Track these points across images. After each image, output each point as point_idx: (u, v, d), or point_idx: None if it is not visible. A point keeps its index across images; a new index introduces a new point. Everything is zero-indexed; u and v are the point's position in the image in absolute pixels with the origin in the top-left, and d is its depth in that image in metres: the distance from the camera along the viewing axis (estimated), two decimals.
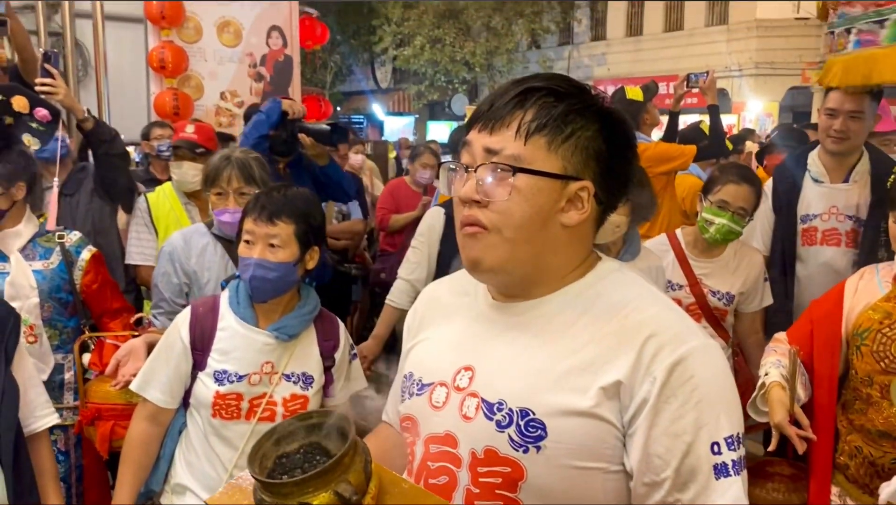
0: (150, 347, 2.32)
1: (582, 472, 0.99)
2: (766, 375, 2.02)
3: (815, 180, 2.98)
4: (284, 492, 0.87)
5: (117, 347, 2.33)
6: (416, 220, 5.28)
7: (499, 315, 1.12)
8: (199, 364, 1.94)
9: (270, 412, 1.95)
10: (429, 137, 20.92)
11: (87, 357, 2.42)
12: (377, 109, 22.46)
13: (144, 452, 1.99)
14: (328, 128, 3.26)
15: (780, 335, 2.19)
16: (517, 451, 1.00)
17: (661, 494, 0.97)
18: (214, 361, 1.94)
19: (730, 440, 0.98)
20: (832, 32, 2.56)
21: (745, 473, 1.00)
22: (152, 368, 2.00)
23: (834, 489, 2.07)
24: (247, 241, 1.92)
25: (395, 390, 1.36)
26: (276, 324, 1.95)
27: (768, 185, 3.08)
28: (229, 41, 6.40)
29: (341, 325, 2.13)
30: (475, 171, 1.05)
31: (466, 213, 1.06)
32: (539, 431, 0.99)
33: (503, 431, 1.02)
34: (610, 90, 19.67)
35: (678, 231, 2.83)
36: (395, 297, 3.14)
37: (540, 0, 20.59)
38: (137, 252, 3.28)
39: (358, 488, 0.89)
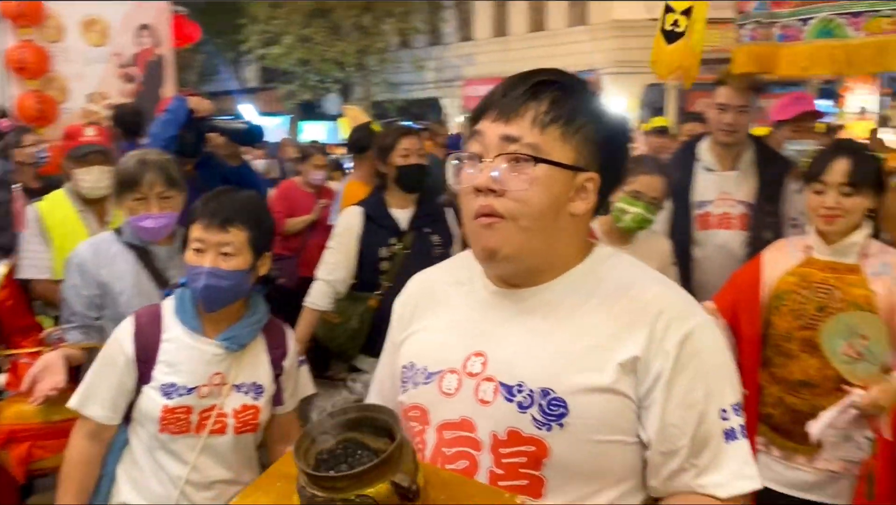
0: (69, 362, 2.19)
1: (602, 445, 1.06)
2: None
3: (707, 169, 3.21)
4: (340, 486, 0.88)
5: (32, 364, 2.18)
6: (312, 224, 5.22)
7: (504, 302, 1.16)
8: (143, 377, 1.86)
9: (221, 424, 1.89)
10: (303, 138, 20.60)
11: (2, 378, 2.25)
12: (247, 110, 21.83)
13: (86, 471, 1.89)
14: (244, 126, 3.18)
15: (708, 304, 2.38)
16: (540, 429, 1.05)
17: (678, 462, 1.06)
18: (161, 374, 1.86)
19: (735, 407, 1.09)
20: (741, 25, 2.77)
21: (748, 439, 1.10)
22: (92, 384, 1.89)
23: (759, 438, 2.28)
24: (196, 249, 1.84)
25: (378, 385, 1.37)
26: (225, 333, 1.89)
27: None
28: (95, 40, 6.05)
29: (289, 332, 2.09)
30: (492, 160, 1.08)
31: (482, 203, 1.08)
32: (561, 409, 1.05)
33: (525, 412, 1.06)
34: (480, 89, 20.24)
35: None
36: (314, 298, 3.11)
37: (408, 0, 20.75)
38: (30, 265, 3.06)
39: (411, 478, 0.90)
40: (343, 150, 14.38)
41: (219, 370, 1.88)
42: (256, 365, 1.95)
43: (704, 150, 3.25)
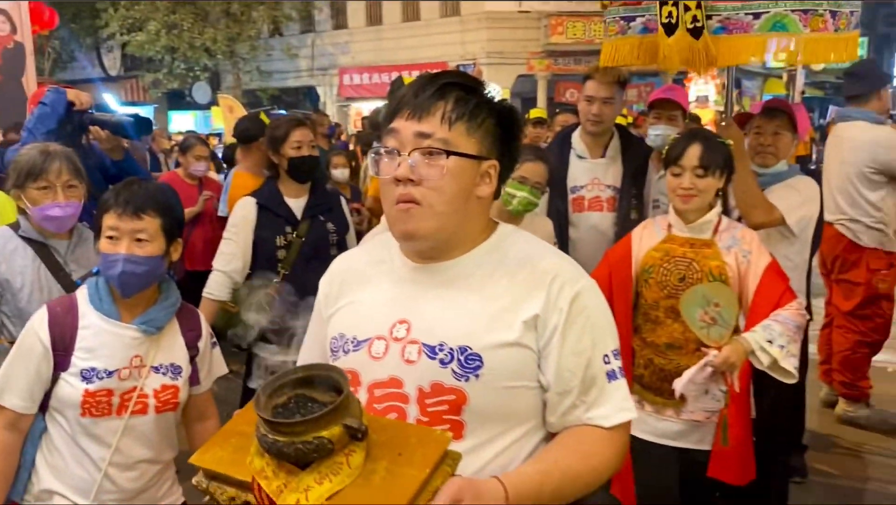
0: None
1: (511, 390, 1.26)
2: None
3: (579, 157, 3.50)
4: (298, 431, 1.01)
5: None
6: (197, 216, 5.16)
7: (422, 276, 1.33)
8: (60, 365, 1.89)
9: (142, 405, 1.96)
10: (172, 128, 19.78)
11: None
12: (109, 99, 20.72)
13: (6, 461, 1.90)
14: (130, 119, 3.14)
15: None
16: (459, 381, 1.24)
17: (571, 399, 1.27)
18: (80, 360, 1.90)
19: (615, 352, 1.32)
20: (615, 19, 3.05)
21: (625, 378, 1.33)
22: (8, 375, 1.91)
23: (633, 396, 2.55)
24: (110, 237, 1.89)
25: (307, 354, 1.51)
26: (142, 317, 1.96)
27: None
28: None
29: (201, 315, 2.17)
30: (408, 154, 1.24)
31: (401, 192, 1.24)
32: (476, 363, 1.24)
33: (446, 367, 1.24)
34: (356, 78, 20.15)
35: None
36: (212, 289, 3.15)
37: None
38: None
39: (359, 421, 1.05)
40: (216, 141, 14.00)
41: (137, 353, 1.95)
42: (173, 347, 2.03)
43: (576, 139, 3.53)
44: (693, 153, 2.44)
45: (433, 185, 1.24)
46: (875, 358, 4.52)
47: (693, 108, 14.34)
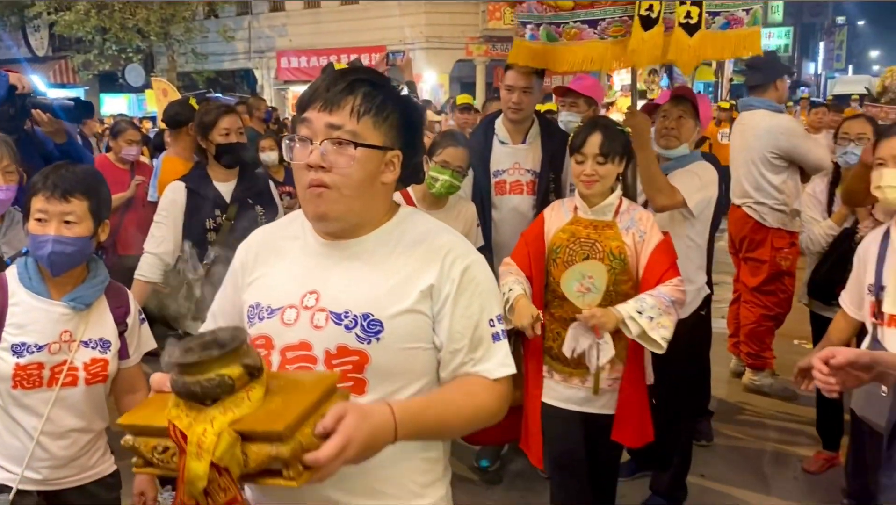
0: None
1: (408, 351, 1.42)
2: (511, 290, 2.63)
3: (502, 142, 3.68)
4: (203, 368, 1.16)
5: None
6: (128, 201, 5.16)
7: (331, 251, 1.48)
8: None
9: (73, 377, 2.07)
10: (104, 111, 19.28)
11: None
12: (37, 81, 20.04)
13: None
14: (71, 103, 3.17)
15: (508, 259, 2.82)
16: (362, 343, 1.39)
17: (461, 357, 1.45)
18: (10, 336, 2.00)
19: (499, 318, 1.49)
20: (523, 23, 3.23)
21: (507, 340, 1.50)
22: None
23: (544, 368, 2.76)
24: (39, 220, 1.99)
25: (216, 311, 1.66)
26: (71, 294, 2.06)
27: None
28: None
29: (129, 292, 2.28)
30: (320, 143, 1.38)
31: (313, 177, 1.38)
32: (378, 327, 1.39)
33: (350, 331, 1.40)
34: (293, 61, 19.97)
35: (409, 189, 3.35)
36: (144, 271, 3.22)
37: None
38: None
39: (256, 361, 1.21)
40: (150, 125, 13.75)
41: (67, 328, 2.06)
42: (102, 322, 2.14)
43: (499, 125, 3.71)
44: (594, 141, 2.62)
45: (342, 171, 1.38)
46: (778, 331, 4.87)
47: (619, 97, 15.08)
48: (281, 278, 1.50)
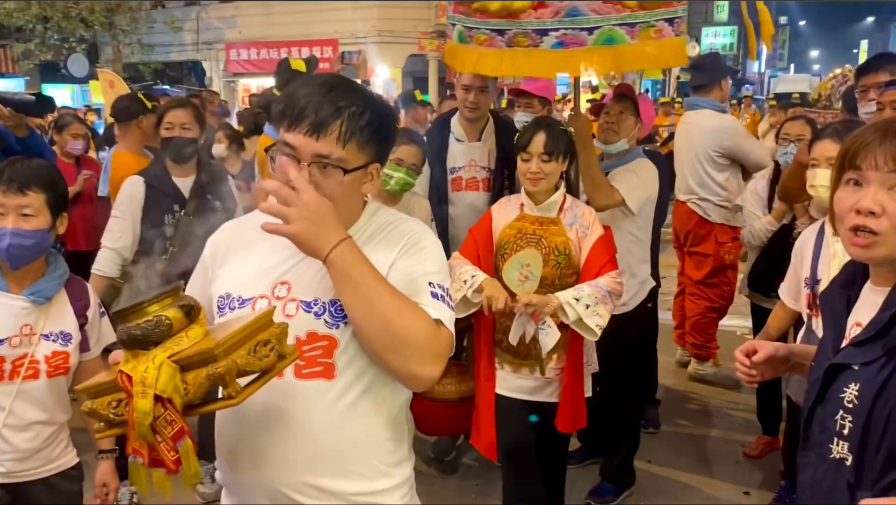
0: None
1: None
2: (474, 276, 2.72)
3: (458, 140, 3.76)
4: (141, 311, 1.22)
5: None
6: (76, 196, 5.07)
7: None
8: None
9: (34, 370, 2.09)
10: None
11: None
12: None
13: None
14: (32, 98, 3.14)
15: (457, 254, 2.90)
16: (331, 328, 1.46)
17: None
18: None
19: (442, 287, 1.50)
20: (453, 25, 3.30)
21: (451, 311, 1.51)
22: None
23: (496, 360, 2.85)
24: None
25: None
26: (31, 288, 2.08)
27: None
28: None
29: (88, 286, 2.30)
30: (308, 165, 1.42)
31: None
32: (344, 312, 1.45)
33: (319, 318, 1.46)
34: (243, 53, 19.69)
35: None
36: (101, 266, 3.21)
37: None
38: None
39: (192, 303, 1.28)
40: (95, 117, 13.44)
41: (27, 322, 2.08)
42: (62, 316, 2.17)
43: (455, 123, 3.79)
44: (539, 141, 2.72)
45: (327, 193, 1.42)
46: (721, 322, 5.07)
47: (583, 92, 15.69)
48: (252, 270, 1.55)
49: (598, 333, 2.64)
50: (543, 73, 3.32)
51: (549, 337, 2.68)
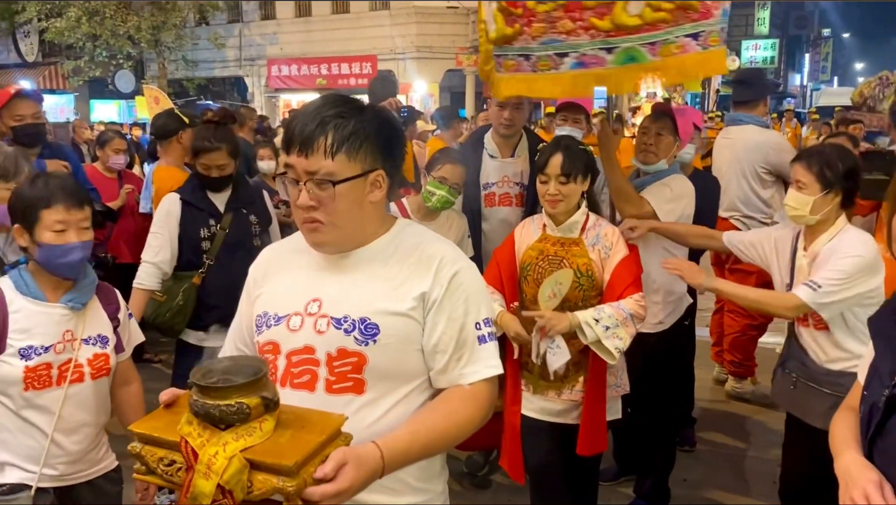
0: None
1: (403, 353, 1.52)
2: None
3: (491, 156, 3.78)
4: (224, 394, 1.24)
5: None
6: (119, 209, 5.20)
7: (332, 263, 1.58)
8: None
9: (79, 374, 2.19)
10: (94, 117, 19.28)
11: None
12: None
13: None
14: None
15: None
16: (360, 345, 1.49)
17: (446, 357, 1.53)
18: (16, 341, 2.09)
19: (486, 321, 1.58)
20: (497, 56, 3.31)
21: (496, 342, 1.59)
22: None
23: (522, 382, 2.85)
24: (59, 231, 2.10)
25: (233, 333, 1.74)
26: (68, 296, 2.18)
27: None
28: None
29: (116, 290, 2.41)
30: (304, 185, 1.47)
31: (306, 216, 1.50)
32: (374, 330, 1.49)
33: (349, 335, 1.49)
34: (284, 69, 20.03)
35: (404, 200, 3.45)
36: (142, 280, 3.30)
37: None
38: None
39: (273, 395, 1.30)
40: (140, 132, 13.79)
41: (68, 328, 2.18)
42: (97, 320, 2.27)
43: (488, 139, 3.81)
44: (556, 162, 2.70)
45: (329, 208, 1.48)
46: (760, 340, 4.99)
47: (644, 102, 16.27)
48: (286, 288, 1.60)
49: (617, 356, 2.61)
50: (570, 95, 3.31)
51: (557, 357, 2.65)
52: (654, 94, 21.13)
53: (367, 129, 1.50)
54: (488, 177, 3.76)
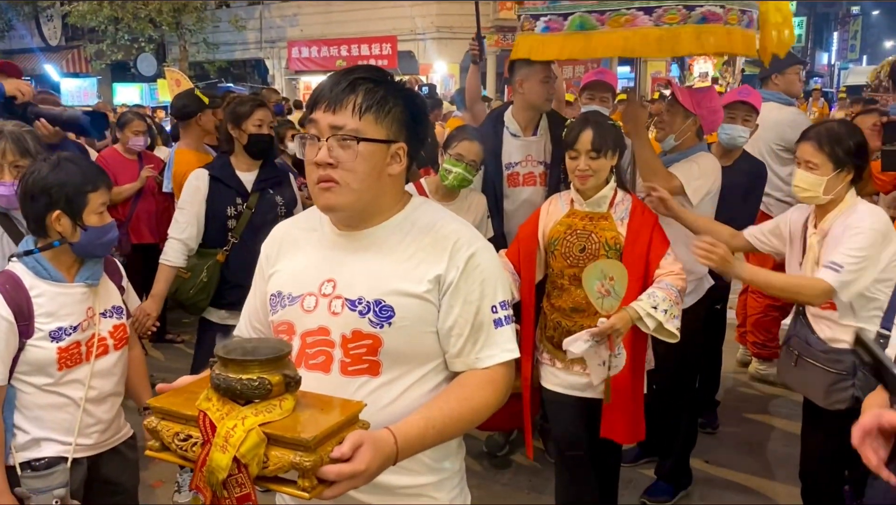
0: None
1: (418, 335, 1.50)
2: None
3: (514, 135, 3.74)
4: (247, 368, 1.24)
5: None
6: (139, 190, 5.24)
7: (345, 242, 1.56)
8: (24, 333, 2.10)
9: (104, 347, 2.26)
10: (117, 100, 19.41)
11: None
12: (50, 70, 20.16)
13: None
14: (83, 116, 3.13)
15: (502, 252, 2.90)
16: (375, 328, 1.47)
17: (462, 341, 1.52)
18: (44, 325, 2.12)
19: (503, 304, 1.55)
20: (520, 16, 3.28)
21: (513, 324, 1.58)
22: None
23: (546, 355, 2.85)
24: (102, 212, 2.20)
25: (248, 310, 1.74)
26: (82, 273, 2.23)
27: None
28: None
29: (115, 259, 2.48)
30: (326, 141, 1.45)
31: (322, 173, 1.46)
32: (389, 313, 1.47)
33: (364, 317, 1.48)
34: (304, 51, 20.10)
35: (422, 180, 3.44)
36: (169, 256, 3.32)
37: None
38: None
39: (295, 374, 1.29)
40: (163, 114, 13.85)
41: (89, 305, 2.24)
42: (110, 292, 2.34)
43: (509, 118, 3.76)
44: (586, 138, 2.69)
45: (348, 166, 1.45)
46: (784, 322, 4.93)
47: (697, 83, 16.42)
48: (300, 268, 1.58)
49: (678, 336, 2.61)
50: (604, 53, 3.25)
51: (620, 358, 2.65)
52: (707, 74, 21.57)
53: (396, 98, 1.49)
54: (511, 156, 3.72)
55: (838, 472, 2.74)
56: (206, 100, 4.64)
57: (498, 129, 3.76)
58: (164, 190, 5.09)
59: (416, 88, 4.16)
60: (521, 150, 3.72)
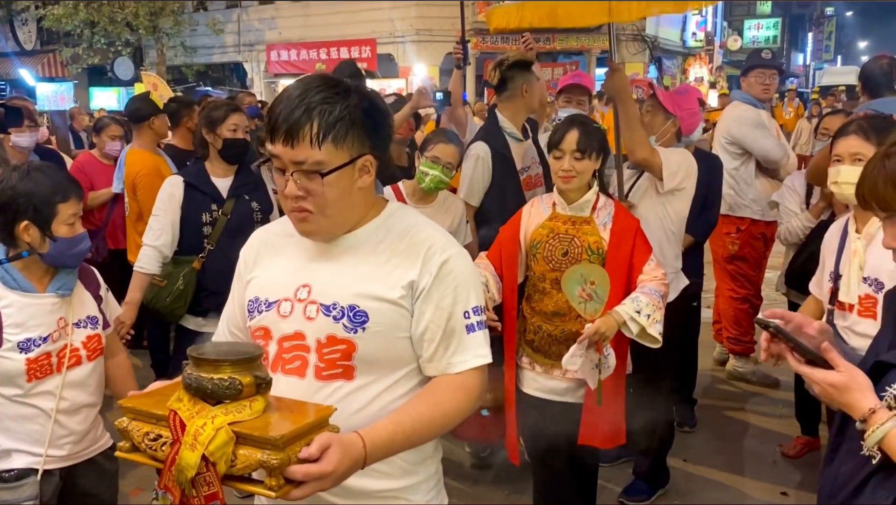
0: None
1: (391, 340, 1.51)
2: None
3: (517, 140, 3.64)
4: (219, 368, 1.25)
5: None
6: (116, 196, 5.19)
7: (321, 248, 1.57)
8: None
9: (76, 358, 2.23)
10: (94, 105, 19.18)
11: None
12: (25, 74, 19.89)
13: None
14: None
15: (483, 254, 2.90)
16: (349, 333, 1.49)
17: (434, 346, 1.53)
18: (12, 336, 2.11)
19: (475, 309, 1.56)
20: None
21: (486, 330, 1.58)
22: None
23: (525, 359, 2.84)
24: (72, 223, 2.17)
25: (227, 316, 1.74)
26: (55, 284, 2.21)
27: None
28: None
29: (93, 269, 2.44)
30: (291, 174, 1.44)
31: (294, 205, 1.47)
32: (363, 318, 1.48)
33: (338, 322, 1.49)
34: (283, 54, 20.07)
35: (399, 183, 3.44)
36: (143, 263, 3.29)
37: None
38: None
39: (266, 376, 1.30)
40: None
41: (61, 315, 2.21)
42: (84, 301, 2.31)
43: (507, 123, 3.65)
44: (571, 138, 2.69)
45: (317, 195, 1.45)
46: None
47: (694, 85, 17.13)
48: (277, 273, 1.59)
49: (660, 340, 2.61)
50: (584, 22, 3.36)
51: (611, 358, 2.64)
52: (702, 78, 22.37)
53: (353, 114, 1.45)
54: (522, 161, 3.66)
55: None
56: (160, 104, 4.72)
57: (499, 133, 3.66)
58: (115, 191, 5.01)
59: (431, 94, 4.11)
60: (526, 153, 3.70)
